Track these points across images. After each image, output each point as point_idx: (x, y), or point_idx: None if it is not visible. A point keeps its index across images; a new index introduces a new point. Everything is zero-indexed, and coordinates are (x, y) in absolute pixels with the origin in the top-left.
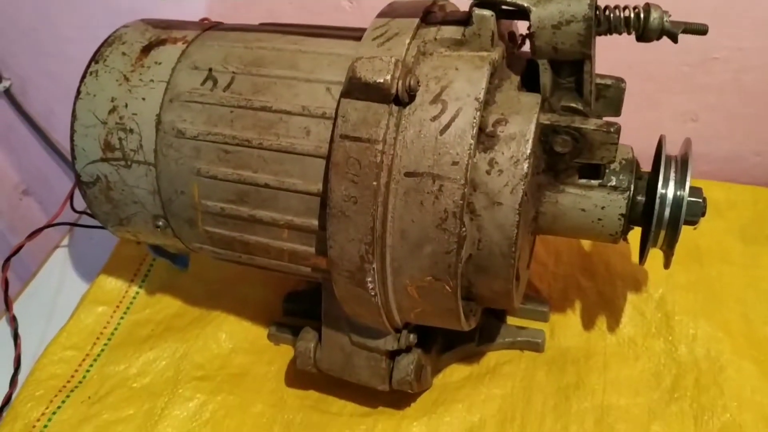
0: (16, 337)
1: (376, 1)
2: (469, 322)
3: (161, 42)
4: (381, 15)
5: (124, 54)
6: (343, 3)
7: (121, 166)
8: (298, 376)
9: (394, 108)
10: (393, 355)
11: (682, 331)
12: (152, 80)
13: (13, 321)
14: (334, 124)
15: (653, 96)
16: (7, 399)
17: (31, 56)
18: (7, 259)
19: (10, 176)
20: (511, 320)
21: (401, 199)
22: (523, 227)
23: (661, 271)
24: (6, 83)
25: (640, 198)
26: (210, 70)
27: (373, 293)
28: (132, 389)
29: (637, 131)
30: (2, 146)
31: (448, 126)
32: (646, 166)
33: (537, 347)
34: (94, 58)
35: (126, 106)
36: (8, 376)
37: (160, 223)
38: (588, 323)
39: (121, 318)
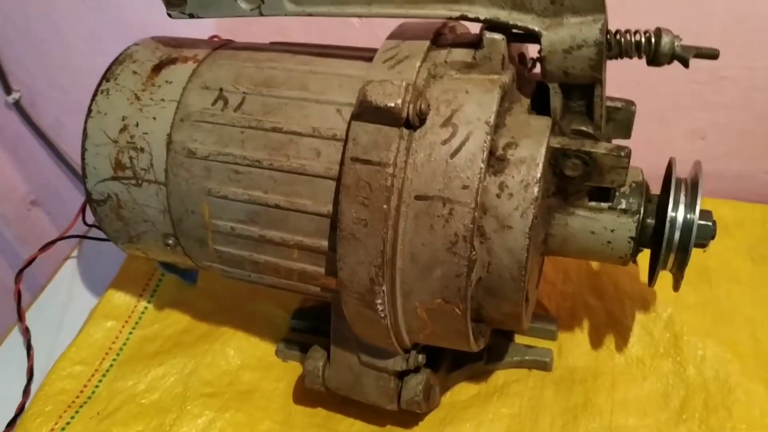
0: (29, 348)
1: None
2: (478, 344)
3: (172, 61)
4: (391, 36)
5: (135, 72)
6: (352, 19)
7: (132, 185)
8: (306, 394)
9: (405, 131)
10: (401, 375)
11: (691, 351)
12: (163, 99)
13: (26, 332)
14: (344, 147)
15: (662, 114)
16: (20, 409)
17: (40, 68)
18: (20, 272)
19: (18, 187)
20: (519, 339)
21: (411, 222)
22: (532, 250)
23: (670, 290)
24: (15, 95)
25: (650, 221)
26: (221, 90)
27: (382, 315)
28: (141, 405)
29: (645, 149)
30: (11, 157)
31: (458, 150)
32: (655, 184)
33: (545, 366)
34: (105, 77)
35: (137, 125)
36: (20, 386)
37: (170, 242)
38: (596, 342)
39: (130, 333)
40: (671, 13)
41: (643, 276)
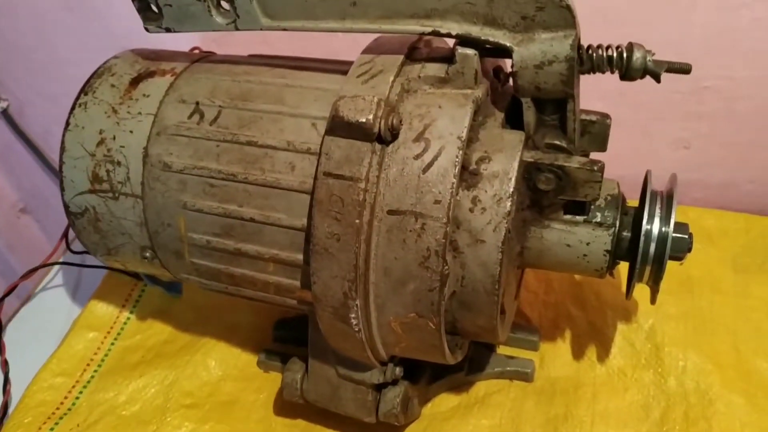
0: (5, 383)
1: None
2: (455, 356)
3: (150, 74)
4: (366, 51)
5: (113, 86)
6: None
7: (109, 198)
8: (287, 405)
9: (377, 146)
10: (379, 387)
11: (672, 362)
12: (140, 113)
13: (4, 365)
14: (318, 161)
15: (646, 124)
16: None
17: (28, 77)
18: (1, 299)
19: (8, 195)
20: (502, 349)
21: (384, 236)
22: (506, 264)
23: (654, 302)
24: (3, 104)
25: (626, 233)
26: (197, 103)
27: (357, 329)
28: (121, 417)
29: (628, 159)
30: (1, 165)
31: (430, 164)
32: (637, 195)
33: (526, 377)
34: (84, 90)
35: (114, 138)
36: None
37: (148, 254)
38: (578, 353)
39: (112, 344)
40: (653, 24)
41: (625, 287)
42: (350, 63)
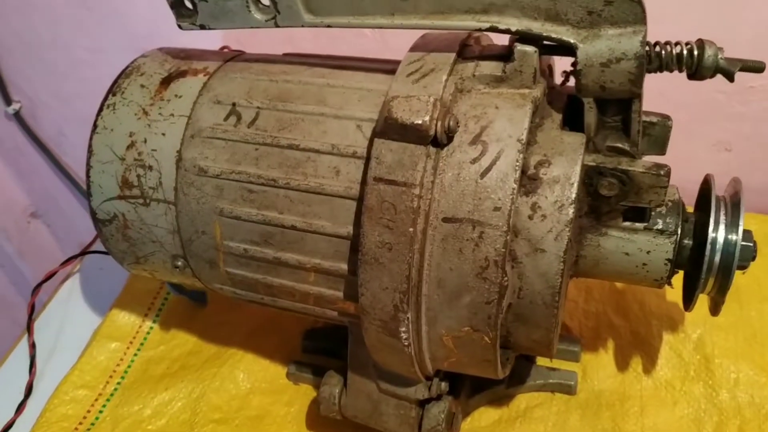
0: (31, 364)
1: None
2: (504, 371)
3: (181, 74)
4: (414, 48)
5: (142, 86)
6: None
7: (140, 204)
8: (319, 419)
9: (432, 150)
10: (422, 402)
11: (723, 374)
12: (172, 114)
13: (32, 347)
14: (366, 165)
15: (686, 125)
16: (8, 426)
17: (42, 78)
18: (39, 285)
19: (18, 199)
20: (542, 361)
21: (439, 246)
22: (566, 274)
23: (698, 310)
24: (16, 106)
25: (687, 241)
26: (233, 104)
27: (406, 343)
28: None
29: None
30: (11, 169)
31: (489, 169)
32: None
33: (569, 390)
34: (112, 90)
35: (145, 141)
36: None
37: (179, 263)
38: (622, 364)
39: (135, 355)
40: (699, 21)
41: (670, 295)
42: (390, 62)
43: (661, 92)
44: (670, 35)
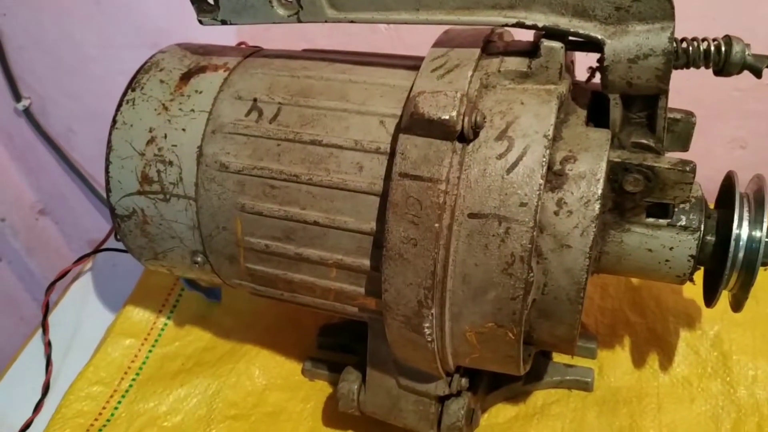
0: (48, 362)
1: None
2: (525, 366)
3: (201, 69)
4: (437, 44)
5: (162, 81)
6: (379, 25)
7: (159, 200)
8: (336, 415)
9: (458, 145)
10: (442, 398)
11: (741, 371)
12: (193, 110)
13: (48, 346)
14: (389, 161)
15: (700, 122)
16: (26, 425)
17: (51, 75)
18: (53, 283)
19: (27, 196)
20: (558, 357)
21: (464, 241)
22: (590, 270)
23: (716, 307)
24: (26, 102)
25: (710, 238)
26: (255, 100)
27: (429, 339)
28: (163, 428)
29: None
30: (20, 165)
31: (515, 164)
32: None
33: (586, 386)
34: (131, 86)
35: (165, 137)
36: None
37: (199, 259)
38: (639, 361)
39: (150, 351)
40: (716, 17)
41: (687, 292)
42: (412, 58)
43: (677, 90)
44: (685, 32)
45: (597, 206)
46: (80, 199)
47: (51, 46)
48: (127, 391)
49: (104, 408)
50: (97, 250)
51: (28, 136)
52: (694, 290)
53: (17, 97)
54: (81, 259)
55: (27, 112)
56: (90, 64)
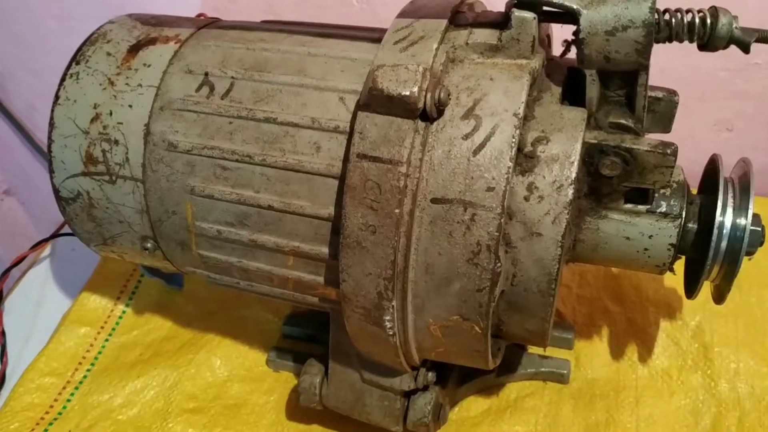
0: (2, 352)
1: None
2: (495, 361)
3: (151, 41)
4: (402, 14)
5: (108, 54)
6: None
7: (105, 182)
8: (300, 409)
9: (420, 124)
10: (408, 393)
11: (723, 364)
12: (140, 85)
13: (1, 335)
14: (349, 141)
15: (686, 103)
16: None
17: (10, 50)
18: (7, 270)
19: None
20: (533, 348)
21: (427, 229)
22: (563, 260)
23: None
24: None
25: (692, 225)
26: (206, 74)
27: (390, 333)
28: (117, 422)
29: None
30: None
31: (482, 145)
32: None
33: (562, 378)
34: (75, 59)
35: (110, 113)
36: None
37: (149, 245)
38: (617, 353)
39: (106, 340)
40: None
41: (668, 280)
42: (378, 30)
43: (661, 69)
44: (668, 2)
45: (570, 191)
46: (46, 178)
47: (9, 20)
48: (81, 382)
49: (56, 400)
50: (55, 235)
51: None
52: (675, 279)
53: None
54: (38, 245)
55: None
56: (50, 38)
